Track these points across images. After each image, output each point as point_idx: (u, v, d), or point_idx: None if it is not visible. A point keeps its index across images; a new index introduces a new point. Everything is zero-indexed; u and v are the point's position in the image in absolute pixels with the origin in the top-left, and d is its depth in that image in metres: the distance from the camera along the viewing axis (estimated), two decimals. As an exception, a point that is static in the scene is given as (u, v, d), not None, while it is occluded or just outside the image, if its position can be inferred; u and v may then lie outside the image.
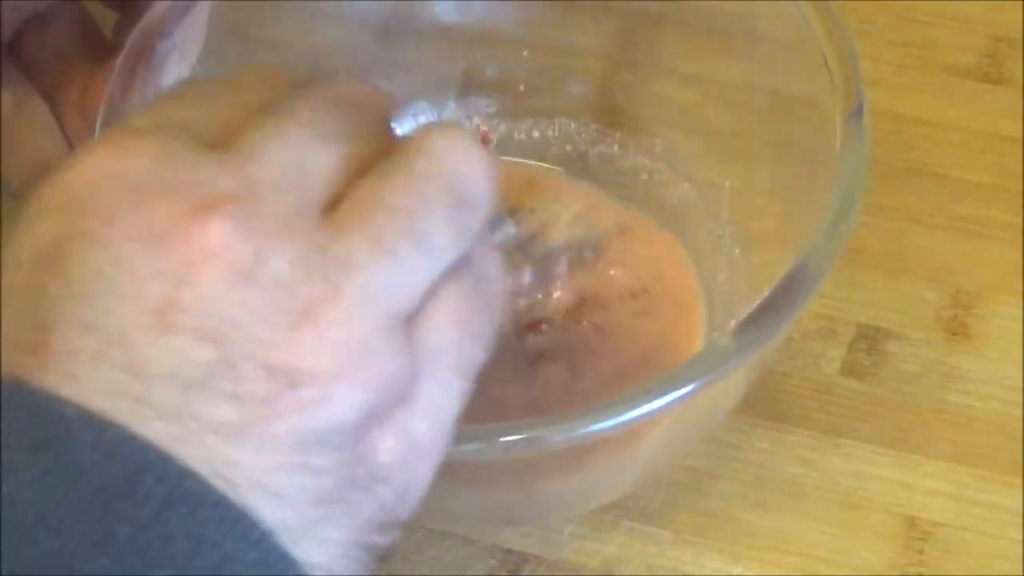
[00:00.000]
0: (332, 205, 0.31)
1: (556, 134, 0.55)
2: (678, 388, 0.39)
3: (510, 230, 0.46)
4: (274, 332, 0.29)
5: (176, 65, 0.46)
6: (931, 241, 0.56)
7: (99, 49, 0.49)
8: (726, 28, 0.51)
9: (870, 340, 0.54)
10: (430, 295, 0.32)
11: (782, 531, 0.50)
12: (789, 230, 0.47)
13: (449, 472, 0.42)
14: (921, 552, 0.49)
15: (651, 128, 0.54)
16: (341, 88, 0.35)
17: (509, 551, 0.49)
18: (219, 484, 0.29)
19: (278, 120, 0.32)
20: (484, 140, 0.55)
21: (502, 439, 0.38)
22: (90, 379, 0.29)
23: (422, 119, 0.55)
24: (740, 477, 0.51)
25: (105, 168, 0.30)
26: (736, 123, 0.52)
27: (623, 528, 0.50)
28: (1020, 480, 0.50)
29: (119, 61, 0.45)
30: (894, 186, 0.57)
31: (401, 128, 0.47)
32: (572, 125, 0.55)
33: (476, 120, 0.56)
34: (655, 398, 0.38)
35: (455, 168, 0.32)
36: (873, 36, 0.61)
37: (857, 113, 0.44)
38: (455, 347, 0.32)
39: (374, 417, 0.31)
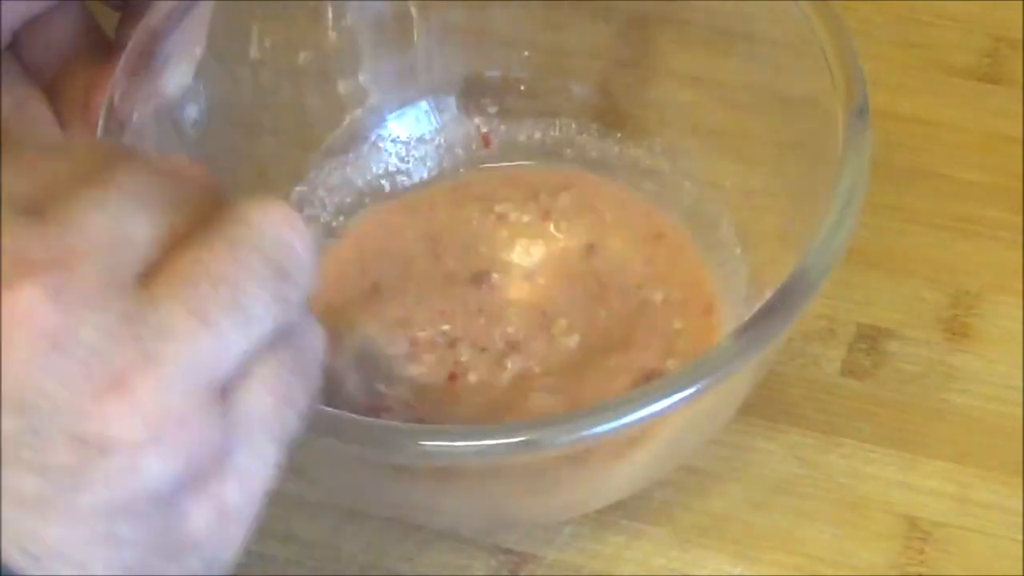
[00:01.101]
0: (150, 273, 0.31)
1: (557, 134, 0.55)
2: (681, 390, 0.39)
3: None
4: (83, 401, 0.29)
5: (178, 65, 0.46)
6: (931, 241, 0.56)
7: (101, 49, 0.49)
8: (726, 28, 0.51)
9: (870, 340, 0.54)
10: (247, 364, 0.32)
11: (782, 531, 0.50)
12: (790, 230, 0.47)
13: (450, 472, 0.43)
14: (921, 552, 0.49)
15: (652, 128, 0.54)
16: (164, 160, 0.35)
17: (509, 551, 0.49)
18: (22, 560, 0.28)
19: (98, 188, 0.31)
20: (486, 141, 0.55)
21: (505, 441, 0.38)
22: None
23: (424, 120, 0.55)
24: (740, 477, 0.51)
25: None
26: (736, 123, 0.52)
27: (623, 528, 0.50)
28: (1020, 480, 0.50)
29: (121, 61, 0.45)
30: (894, 186, 0.57)
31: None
32: (573, 125, 0.55)
33: (477, 121, 0.56)
34: (657, 400, 0.38)
35: (276, 238, 0.32)
36: (873, 36, 0.61)
37: (859, 113, 0.44)
38: (271, 417, 0.32)
39: (184, 486, 0.30)
